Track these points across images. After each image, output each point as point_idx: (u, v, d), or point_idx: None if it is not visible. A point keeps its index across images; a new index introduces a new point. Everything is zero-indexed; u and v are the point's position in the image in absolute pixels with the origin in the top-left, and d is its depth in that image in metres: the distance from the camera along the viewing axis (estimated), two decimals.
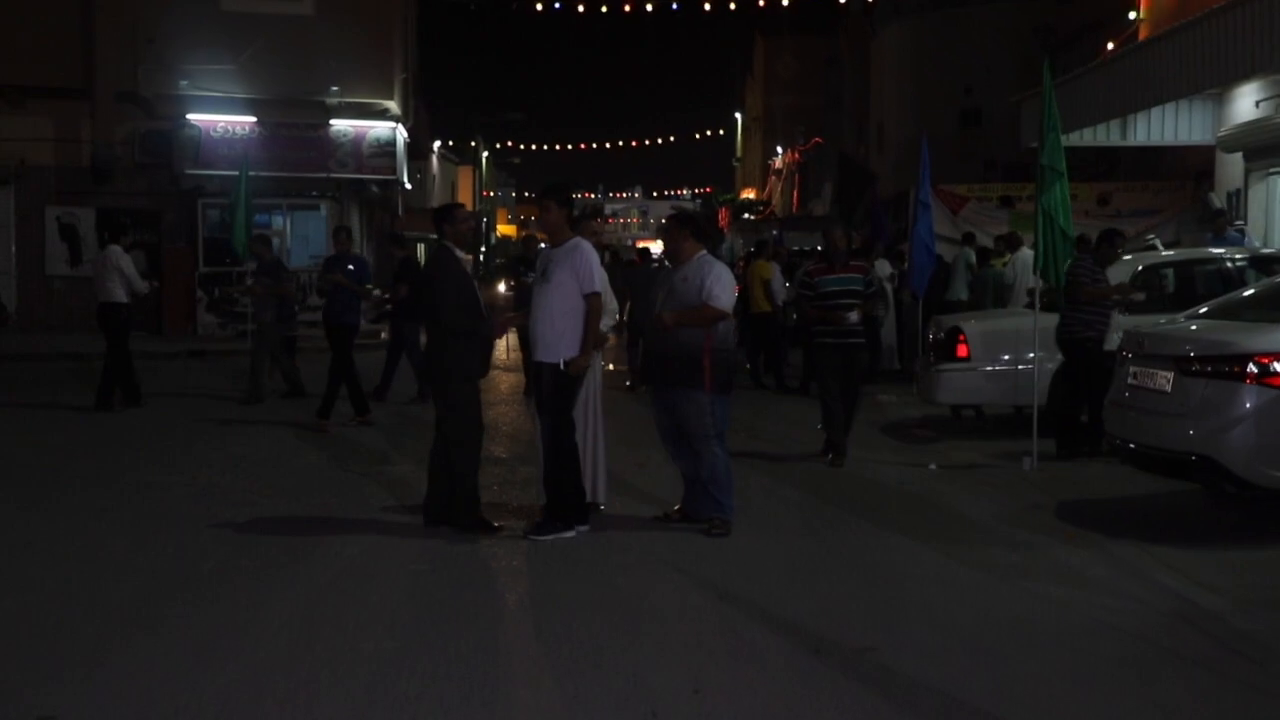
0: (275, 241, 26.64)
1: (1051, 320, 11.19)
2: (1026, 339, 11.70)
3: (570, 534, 8.07)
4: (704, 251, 8.60)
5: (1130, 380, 8.70)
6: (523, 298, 13.77)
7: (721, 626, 6.31)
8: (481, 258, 48.20)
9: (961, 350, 12.23)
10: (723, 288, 8.28)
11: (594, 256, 8.20)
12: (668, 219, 9.05)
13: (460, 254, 8.40)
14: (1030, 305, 13.23)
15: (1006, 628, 6.26)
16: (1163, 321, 10.70)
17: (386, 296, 15.80)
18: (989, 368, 12.23)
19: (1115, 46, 23.16)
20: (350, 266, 13.68)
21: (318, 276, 14.38)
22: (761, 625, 6.30)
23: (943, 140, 33.00)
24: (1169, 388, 8.19)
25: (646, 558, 7.69)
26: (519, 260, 16.58)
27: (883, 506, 9.32)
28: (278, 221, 27.31)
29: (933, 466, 10.91)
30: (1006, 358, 12.18)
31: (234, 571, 7.29)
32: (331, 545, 7.91)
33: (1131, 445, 8.68)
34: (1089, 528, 8.43)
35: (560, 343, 8.04)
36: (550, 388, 8.14)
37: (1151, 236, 19.19)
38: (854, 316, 10.89)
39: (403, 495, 9.39)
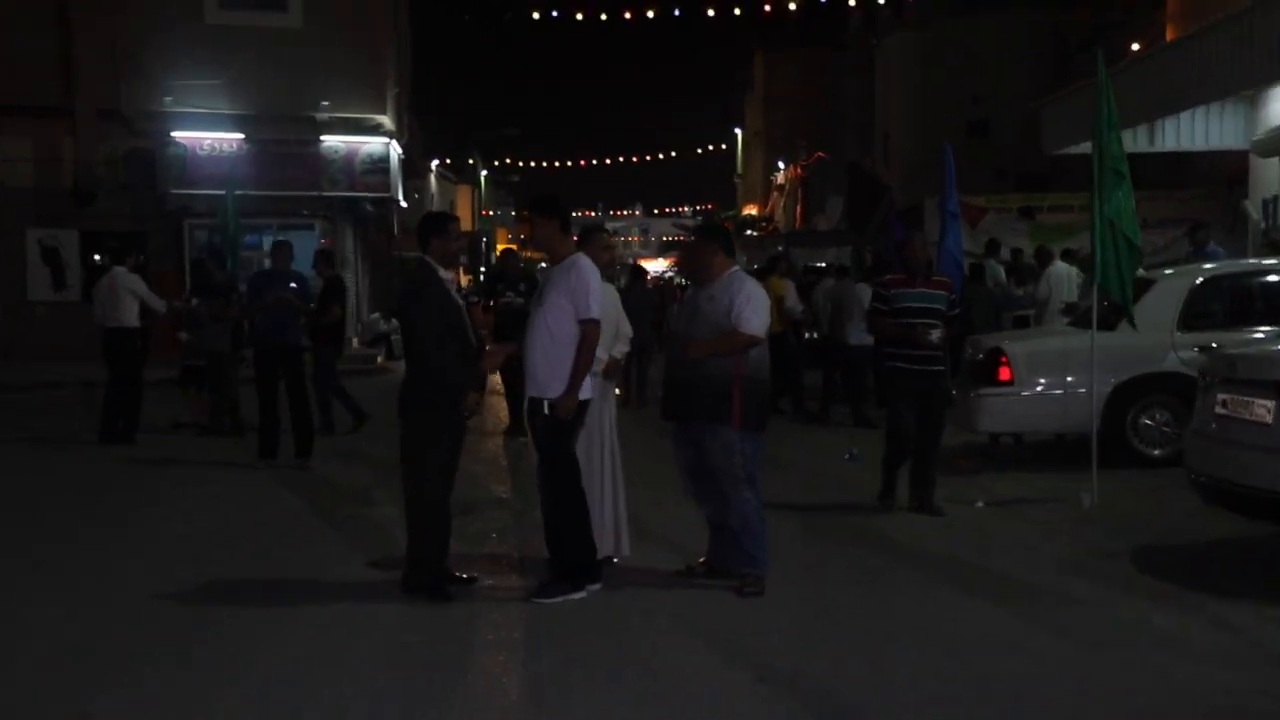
0: (266, 262, 25.64)
1: (1104, 340, 10.08)
2: (1076, 360, 10.65)
3: (580, 595, 6.95)
4: (735, 268, 7.53)
5: (1218, 409, 7.62)
6: (504, 321, 12.38)
7: (769, 717, 5.22)
8: (481, 278, 46.97)
9: (1004, 373, 11.12)
10: (754, 309, 7.17)
11: (593, 276, 7.05)
12: (695, 231, 8.00)
13: (444, 273, 7.23)
14: (1075, 323, 12.26)
15: (1114, 715, 5.17)
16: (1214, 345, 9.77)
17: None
18: (1035, 392, 11.13)
19: (1142, 48, 22.14)
20: (293, 285, 12.26)
21: (246, 296, 12.92)
22: (820, 718, 5.21)
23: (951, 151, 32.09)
24: (1270, 419, 7.09)
25: (672, 624, 6.59)
26: (495, 278, 14.58)
27: (933, 554, 8.20)
28: (268, 242, 26.27)
29: (980, 504, 9.78)
30: (1055, 381, 11.09)
31: (179, 653, 6.14)
32: (301, 613, 6.80)
33: (1219, 483, 7.60)
34: (1177, 580, 7.32)
35: (552, 378, 6.92)
36: (542, 429, 7.06)
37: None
38: (935, 336, 9.31)
39: (387, 544, 8.26)
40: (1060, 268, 15.98)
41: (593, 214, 77.69)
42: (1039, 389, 11.12)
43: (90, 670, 5.89)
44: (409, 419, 7.07)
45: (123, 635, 6.45)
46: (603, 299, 7.29)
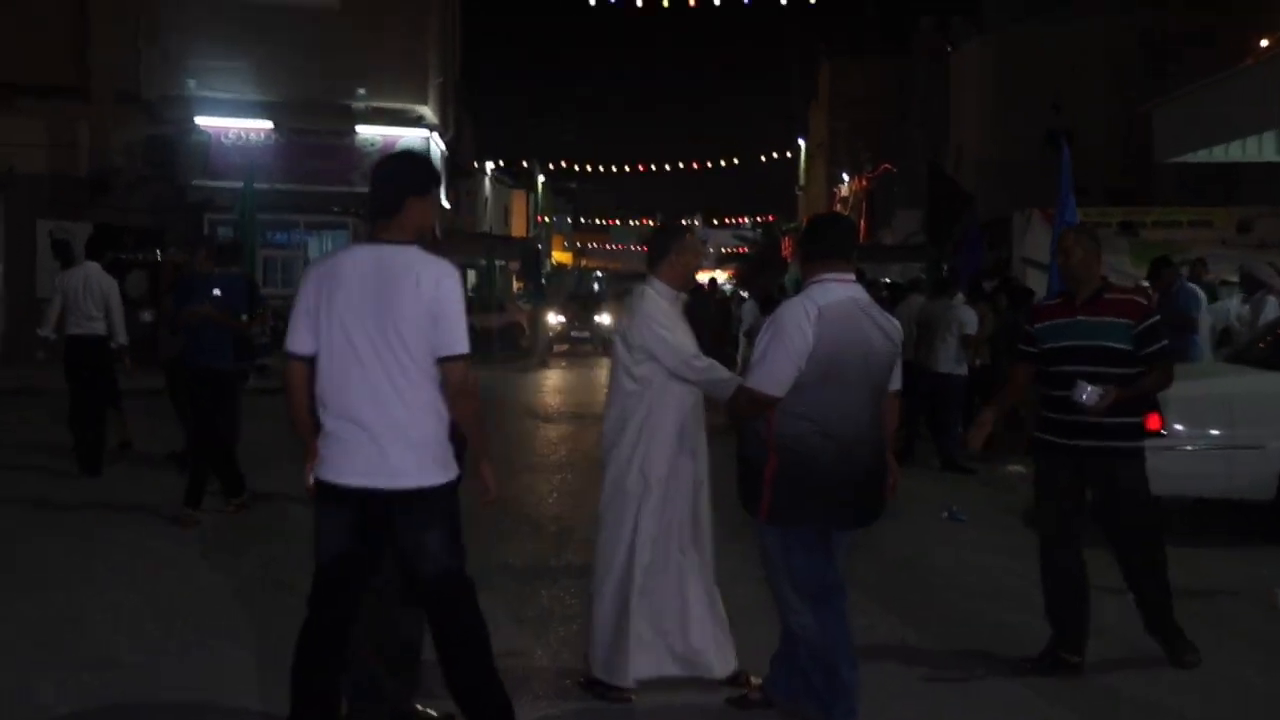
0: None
1: (1275, 384, 7.81)
2: (1245, 406, 8.53)
3: None
4: (823, 278, 5.08)
5: None
6: None
7: None
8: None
9: (1153, 421, 8.83)
10: (763, 352, 4.89)
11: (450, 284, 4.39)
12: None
13: None
14: (1236, 358, 10.01)
15: None
16: None
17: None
18: (1193, 446, 8.83)
19: (1271, 44, 19.77)
20: (217, 291, 9.81)
21: (165, 308, 10.61)
22: None
23: (1028, 163, 30.19)
24: None
25: None
26: None
27: (1093, 683, 5.96)
28: (298, 240, 24.62)
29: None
30: (1217, 433, 8.80)
31: None
32: None
33: None
34: None
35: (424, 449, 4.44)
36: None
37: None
38: (1085, 396, 5.71)
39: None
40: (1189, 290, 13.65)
41: (650, 223, 75.52)
42: (1198, 443, 8.83)
43: None
44: None
45: None
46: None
